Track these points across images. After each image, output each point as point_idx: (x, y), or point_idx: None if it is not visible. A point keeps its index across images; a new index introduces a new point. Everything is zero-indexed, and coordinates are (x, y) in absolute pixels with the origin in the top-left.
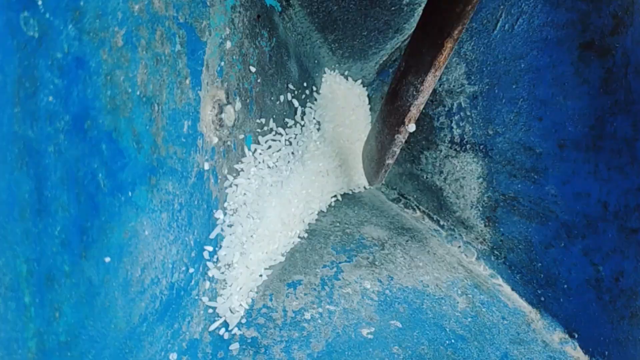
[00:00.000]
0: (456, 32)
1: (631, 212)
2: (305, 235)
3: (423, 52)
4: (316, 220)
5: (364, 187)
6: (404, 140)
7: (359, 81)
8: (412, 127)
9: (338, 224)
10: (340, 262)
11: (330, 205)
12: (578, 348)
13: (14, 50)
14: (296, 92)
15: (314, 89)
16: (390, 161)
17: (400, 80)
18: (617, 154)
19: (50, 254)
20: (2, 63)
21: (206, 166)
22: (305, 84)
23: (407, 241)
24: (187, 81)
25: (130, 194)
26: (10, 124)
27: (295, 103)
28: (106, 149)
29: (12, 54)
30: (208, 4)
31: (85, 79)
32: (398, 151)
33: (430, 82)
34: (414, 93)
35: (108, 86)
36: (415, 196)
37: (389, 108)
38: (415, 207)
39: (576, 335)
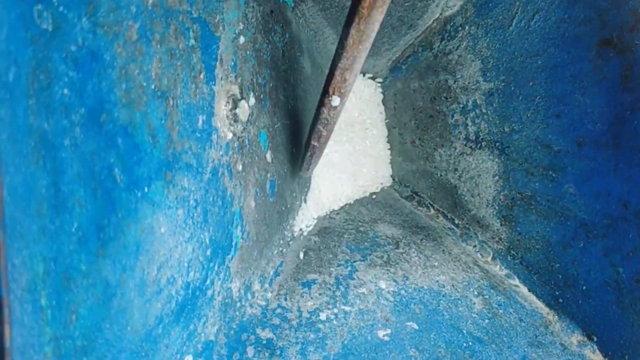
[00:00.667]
0: None
1: None
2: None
3: None
4: (329, 218)
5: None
6: (330, 117)
7: (371, 77)
8: (335, 100)
9: (351, 222)
10: (354, 261)
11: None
12: (597, 351)
13: (27, 43)
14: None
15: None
16: (315, 143)
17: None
18: (637, 151)
19: (67, 253)
20: (16, 55)
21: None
22: (317, 81)
23: (421, 240)
24: (202, 76)
25: (146, 189)
26: (26, 116)
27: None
28: (122, 143)
29: (26, 46)
30: None
31: (100, 72)
32: (325, 132)
33: (355, 38)
34: (340, 52)
35: (123, 80)
36: (429, 194)
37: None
38: (429, 205)
39: (595, 338)
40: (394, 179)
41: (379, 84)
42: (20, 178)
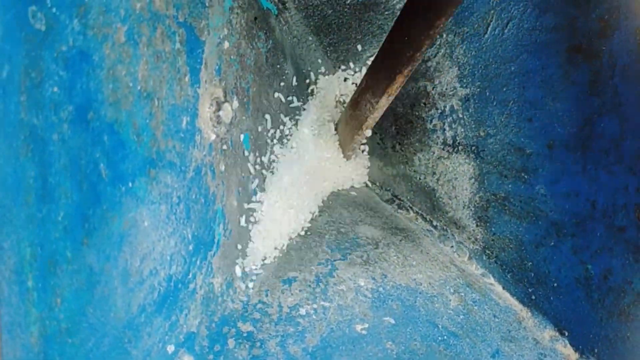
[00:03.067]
0: (406, 71)
1: (619, 210)
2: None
3: (379, 78)
4: (311, 219)
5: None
6: (362, 141)
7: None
8: (368, 133)
9: (333, 224)
10: (334, 260)
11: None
12: (568, 345)
13: (22, 42)
14: (293, 93)
15: (309, 90)
16: (350, 153)
17: (361, 94)
18: (605, 153)
19: (53, 239)
20: (10, 53)
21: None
22: (300, 86)
23: (400, 241)
24: (187, 78)
25: (130, 184)
26: (17, 111)
27: (295, 102)
28: (108, 139)
29: (20, 45)
30: (207, 4)
31: (89, 72)
32: (358, 147)
33: (384, 103)
34: (370, 108)
35: (110, 80)
36: (408, 197)
37: (351, 113)
38: (408, 207)
39: (566, 333)
40: (374, 183)
41: None
42: (10, 169)
